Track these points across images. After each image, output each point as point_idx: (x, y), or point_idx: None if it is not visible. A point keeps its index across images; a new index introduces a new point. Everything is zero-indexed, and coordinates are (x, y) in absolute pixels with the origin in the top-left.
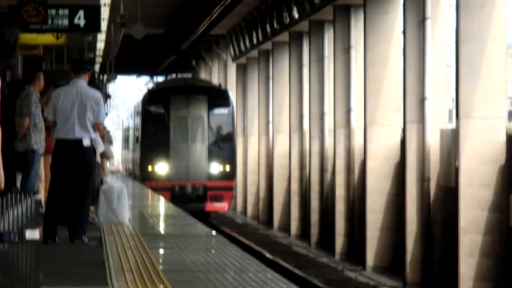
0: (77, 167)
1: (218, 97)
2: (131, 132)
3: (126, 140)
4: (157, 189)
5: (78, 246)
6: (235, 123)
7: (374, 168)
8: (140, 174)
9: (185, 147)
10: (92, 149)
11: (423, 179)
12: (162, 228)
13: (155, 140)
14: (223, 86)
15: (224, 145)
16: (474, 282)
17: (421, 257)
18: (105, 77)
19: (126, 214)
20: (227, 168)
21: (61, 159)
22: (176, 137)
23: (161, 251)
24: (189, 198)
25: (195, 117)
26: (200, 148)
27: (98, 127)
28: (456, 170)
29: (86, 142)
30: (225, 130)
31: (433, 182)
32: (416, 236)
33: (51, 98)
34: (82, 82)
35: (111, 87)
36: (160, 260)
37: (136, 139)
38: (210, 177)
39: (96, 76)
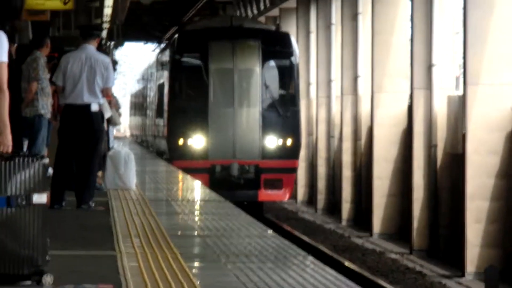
0: (85, 132)
1: (276, 43)
2: (149, 93)
3: (137, 105)
4: (191, 171)
5: (85, 211)
6: (298, 80)
7: (381, 134)
8: (167, 150)
9: (230, 113)
10: (100, 114)
11: (430, 146)
12: (169, 194)
13: (188, 103)
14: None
15: (284, 111)
16: (480, 248)
17: (427, 223)
18: (112, 43)
19: (133, 180)
20: (288, 142)
21: (69, 124)
22: (218, 99)
23: (168, 216)
24: (235, 183)
25: (244, 71)
26: (250, 114)
27: (107, 92)
28: (463, 137)
29: (95, 107)
30: (285, 90)
31: (440, 149)
32: (422, 202)
33: (60, 63)
34: (91, 47)
35: (118, 54)
36: (167, 226)
37: (159, 102)
38: (264, 155)
39: (103, 42)
